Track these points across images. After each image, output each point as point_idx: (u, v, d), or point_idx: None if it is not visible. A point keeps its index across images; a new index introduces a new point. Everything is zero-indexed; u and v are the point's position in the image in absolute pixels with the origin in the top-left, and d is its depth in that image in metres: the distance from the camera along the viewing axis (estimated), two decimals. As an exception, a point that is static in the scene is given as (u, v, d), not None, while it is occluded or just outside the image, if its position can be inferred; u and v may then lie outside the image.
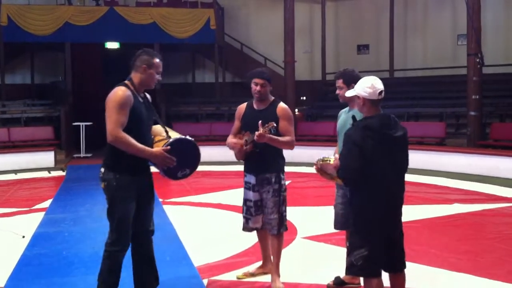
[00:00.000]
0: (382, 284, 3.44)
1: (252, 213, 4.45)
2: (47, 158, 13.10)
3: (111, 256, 3.67)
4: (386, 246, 3.40)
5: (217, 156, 12.25)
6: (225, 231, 6.37)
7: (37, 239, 5.99)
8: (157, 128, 3.86)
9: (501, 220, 7.00)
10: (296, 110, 15.60)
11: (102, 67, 16.98)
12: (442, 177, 10.66)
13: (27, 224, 6.81)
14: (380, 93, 3.38)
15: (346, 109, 4.46)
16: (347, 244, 3.50)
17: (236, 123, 4.59)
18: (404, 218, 3.56)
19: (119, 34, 15.65)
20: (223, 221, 7.02)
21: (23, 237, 6.07)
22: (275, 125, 4.07)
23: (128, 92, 3.59)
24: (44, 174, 11.94)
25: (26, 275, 4.77)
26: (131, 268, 3.88)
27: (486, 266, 5.02)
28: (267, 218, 4.39)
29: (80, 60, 16.35)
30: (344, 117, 4.37)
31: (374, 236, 3.35)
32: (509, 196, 8.60)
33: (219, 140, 13.94)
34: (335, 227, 4.51)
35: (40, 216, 7.20)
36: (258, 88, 4.35)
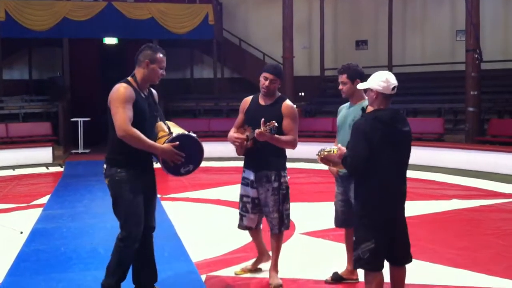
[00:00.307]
0: (383, 279, 3.45)
1: (248, 210, 4.38)
2: (45, 154, 13.08)
3: (121, 250, 3.66)
4: (391, 239, 3.43)
5: (215, 152, 12.25)
6: (223, 227, 6.37)
7: (35, 235, 5.99)
8: (161, 125, 3.84)
9: (499, 215, 7.01)
10: (295, 106, 15.57)
11: (100, 62, 16.94)
12: (440, 173, 10.68)
13: (25, 220, 6.80)
14: (394, 88, 3.43)
15: (347, 104, 4.41)
16: (354, 238, 3.51)
17: (240, 116, 4.48)
18: (404, 214, 3.57)
19: (117, 29, 15.60)
20: (221, 217, 7.02)
21: (21, 233, 6.06)
22: (276, 124, 3.95)
23: (130, 89, 3.58)
24: (42, 170, 11.92)
25: (24, 271, 4.76)
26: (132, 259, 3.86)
27: (484, 261, 5.03)
28: (268, 217, 4.33)
29: (78, 56, 16.30)
30: (345, 112, 4.35)
31: (379, 228, 3.37)
32: (507, 191, 8.61)
33: (218, 136, 13.96)
34: (336, 225, 4.50)
35: (38, 212, 7.20)
36: (266, 83, 4.23)
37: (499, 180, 9.74)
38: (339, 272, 4.48)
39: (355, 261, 3.50)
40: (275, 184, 4.26)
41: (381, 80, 3.42)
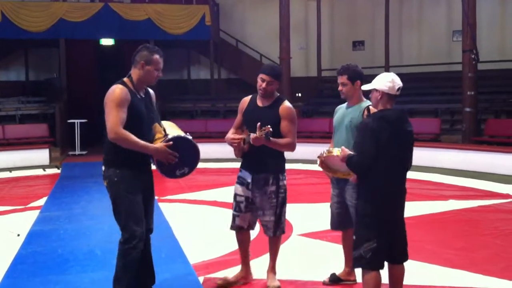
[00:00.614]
0: (381, 278, 3.46)
1: (242, 209, 4.27)
2: (42, 155, 13.07)
3: (125, 253, 3.60)
4: (392, 237, 3.45)
5: (212, 153, 12.23)
6: (220, 228, 6.34)
7: (32, 237, 5.97)
8: (157, 126, 3.82)
9: (496, 216, 7.02)
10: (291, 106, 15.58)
11: (97, 63, 16.92)
12: (437, 173, 10.69)
13: (22, 222, 6.78)
14: (398, 89, 3.49)
15: (344, 105, 4.37)
16: (354, 238, 3.51)
17: (239, 117, 4.39)
18: (404, 214, 3.59)
19: (113, 30, 15.59)
20: (218, 218, 7.00)
21: (18, 235, 6.05)
22: (271, 130, 3.86)
23: (126, 90, 3.56)
24: (39, 171, 11.90)
25: (21, 273, 4.75)
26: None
27: (481, 262, 5.03)
28: (262, 220, 4.25)
29: (75, 57, 16.29)
30: (342, 113, 4.29)
31: (382, 228, 3.40)
32: (504, 192, 8.62)
33: (215, 137, 13.95)
34: (332, 227, 4.48)
35: (35, 214, 7.18)
36: (264, 85, 4.14)
37: (496, 180, 9.76)
38: (337, 273, 4.48)
39: (356, 261, 3.50)
40: (273, 188, 4.18)
41: (387, 80, 3.48)
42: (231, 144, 4.20)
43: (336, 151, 3.61)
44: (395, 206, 3.50)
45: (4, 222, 6.87)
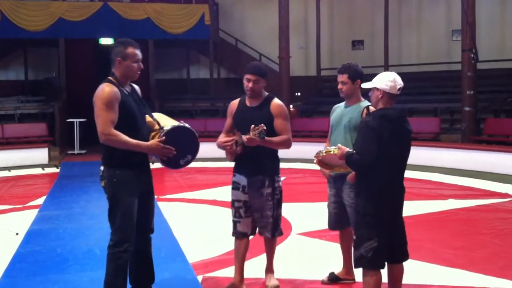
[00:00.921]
0: (381, 278, 3.46)
1: (242, 215, 4.17)
2: (41, 154, 13.07)
3: (116, 257, 3.53)
4: (392, 237, 3.45)
5: (211, 152, 12.12)
6: (219, 227, 6.36)
7: (31, 236, 5.97)
8: (151, 121, 3.75)
9: (495, 215, 7.02)
10: (291, 106, 15.60)
11: (96, 63, 16.90)
12: (437, 172, 10.69)
13: (21, 221, 6.78)
14: (399, 89, 3.49)
15: (341, 104, 4.35)
16: (354, 238, 3.51)
17: (229, 120, 4.30)
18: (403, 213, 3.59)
19: (113, 30, 15.55)
20: (218, 217, 7.01)
21: (17, 234, 6.05)
22: (265, 128, 3.80)
23: (115, 88, 3.50)
24: (38, 171, 11.90)
25: (20, 272, 4.75)
26: (128, 264, 3.83)
27: (480, 261, 5.03)
28: (260, 222, 4.17)
29: (74, 56, 16.29)
30: (340, 112, 4.27)
31: (382, 227, 3.40)
32: (503, 191, 8.63)
33: (214, 136, 13.71)
34: (329, 227, 4.47)
35: (34, 213, 7.18)
36: (250, 84, 4.04)
37: (496, 179, 9.76)
38: (336, 272, 4.48)
39: (357, 260, 3.50)
40: (269, 190, 4.11)
41: (389, 80, 3.47)
42: (223, 147, 4.11)
43: (333, 150, 3.61)
44: (396, 205, 3.51)
45: (3, 221, 6.87)
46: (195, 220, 7.00)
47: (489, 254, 5.28)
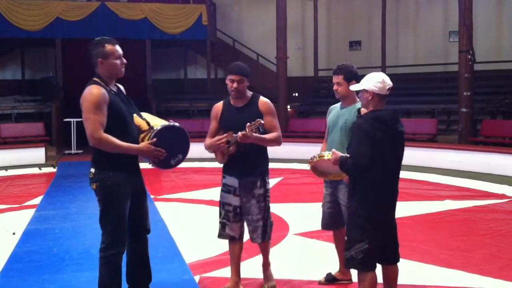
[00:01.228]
0: (377, 278, 3.45)
1: (230, 219, 4.12)
2: (38, 154, 13.03)
3: (109, 260, 3.50)
4: (385, 239, 3.44)
5: (208, 152, 12.20)
6: (217, 227, 6.31)
7: (27, 236, 5.95)
8: (138, 120, 3.69)
9: (492, 216, 7.03)
10: (288, 106, 15.61)
11: (93, 63, 16.88)
12: (433, 173, 10.71)
13: (17, 221, 6.77)
14: (389, 89, 3.44)
15: (337, 105, 4.35)
16: (346, 238, 3.50)
17: (214, 124, 4.20)
18: (396, 214, 3.58)
19: (110, 29, 15.49)
20: (214, 217, 6.94)
21: (14, 234, 6.03)
22: (262, 122, 3.77)
23: (103, 90, 3.42)
24: (35, 170, 11.87)
25: (16, 272, 4.73)
26: (125, 264, 3.82)
27: (477, 262, 5.04)
28: (251, 225, 4.10)
29: (71, 56, 16.24)
30: (336, 113, 4.27)
31: (375, 229, 3.38)
32: (500, 192, 8.64)
33: (211, 136, 13.91)
34: (323, 227, 4.45)
35: (30, 212, 7.16)
36: (234, 85, 3.99)
37: (492, 180, 9.78)
38: (333, 272, 4.48)
39: (348, 261, 3.49)
40: (261, 191, 4.05)
41: (377, 81, 3.42)
42: (216, 147, 4.02)
43: (327, 155, 3.60)
44: (389, 207, 3.49)
45: (0, 221, 6.85)
46: (192, 220, 6.99)
47: (486, 254, 5.29)
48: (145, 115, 3.81)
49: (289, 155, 11.17)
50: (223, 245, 5.40)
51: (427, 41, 17.37)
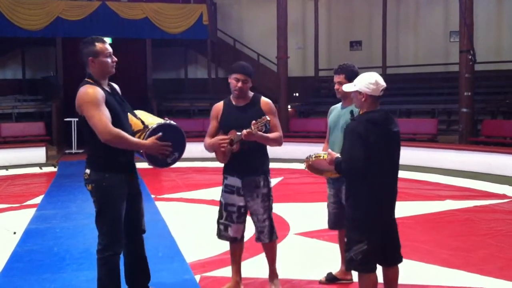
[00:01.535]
0: (377, 279, 3.45)
1: (234, 220, 4.08)
2: (38, 154, 13.04)
3: (107, 261, 3.49)
4: (383, 240, 3.42)
5: (208, 152, 12.21)
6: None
7: (28, 235, 5.96)
8: (132, 118, 3.69)
9: (492, 216, 7.03)
10: (289, 106, 15.61)
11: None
12: (434, 173, 10.70)
13: (18, 220, 6.77)
14: (383, 89, 3.39)
15: (338, 105, 4.36)
16: (345, 240, 3.49)
17: (213, 124, 4.17)
18: (396, 214, 3.57)
19: (111, 29, 15.56)
20: (215, 217, 6.98)
21: (14, 233, 6.04)
22: (268, 118, 3.74)
23: (97, 88, 3.41)
24: (36, 170, 11.88)
25: (17, 271, 4.74)
26: (123, 265, 3.82)
27: (477, 262, 5.04)
28: (258, 226, 4.07)
29: (72, 55, 16.18)
30: (337, 113, 4.28)
31: (373, 230, 3.37)
32: (500, 192, 8.64)
33: (212, 136, 13.92)
34: (329, 226, 4.47)
35: (31, 212, 7.17)
36: (239, 84, 3.99)
37: (493, 180, 9.77)
38: (333, 272, 4.48)
39: (347, 263, 3.49)
40: (265, 190, 4.03)
41: (370, 82, 3.36)
42: (218, 147, 3.99)
43: (323, 155, 3.59)
44: (387, 207, 3.46)
45: (0, 220, 6.86)
46: (193, 220, 6.99)
47: (486, 254, 5.29)
48: (139, 113, 3.79)
49: (289, 155, 11.15)
50: (224, 245, 5.40)
51: (427, 41, 17.37)
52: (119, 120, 3.47)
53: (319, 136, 13.45)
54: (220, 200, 4.20)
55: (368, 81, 3.37)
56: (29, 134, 14.13)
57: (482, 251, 5.41)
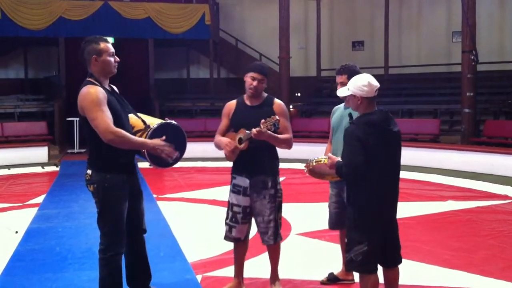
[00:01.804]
0: (378, 280, 3.44)
1: (239, 221, 4.08)
2: (40, 153, 13.06)
3: (109, 262, 3.49)
4: (384, 241, 3.42)
5: (211, 152, 12.15)
6: (219, 227, 6.29)
7: (30, 234, 5.96)
8: (132, 119, 3.68)
9: (494, 217, 7.02)
10: (291, 106, 15.61)
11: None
12: (436, 174, 10.70)
13: (20, 219, 6.78)
14: (377, 90, 3.38)
15: (341, 105, 4.35)
16: (346, 240, 3.49)
17: (224, 122, 4.16)
18: (398, 215, 3.57)
19: (113, 29, 15.57)
20: (217, 217, 6.98)
21: (16, 232, 6.05)
22: (278, 118, 3.72)
23: (99, 88, 3.41)
24: (38, 169, 11.89)
25: (19, 270, 4.74)
26: (124, 265, 3.82)
27: (479, 262, 5.04)
28: (262, 227, 4.05)
29: (74, 55, 16.03)
30: (340, 113, 4.28)
31: (374, 231, 3.36)
32: (502, 193, 8.63)
33: (214, 136, 13.90)
34: (330, 227, 4.46)
35: (33, 211, 7.18)
36: (255, 83, 3.97)
37: (495, 181, 9.76)
38: (335, 272, 4.48)
39: (348, 264, 3.48)
40: (272, 191, 4.01)
41: (363, 84, 3.35)
42: (224, 146, 4.00)
43: (324, 160, 3.59)
44: (387, 209, 3.44)
45: (2, 220, 6.87)
46: (195, 220, 7.00)
47: (488, 255, 5.28)
48: (140, 115, 3.79)
49: (291, 155, 11.10)
50: (226, 245, 5.40)
51: (430, 41, 17.34)
52: (120, 120, 3.47)
53: (321, 136, 13.46)
54: (228, 200, 4.20)
55: (361, 84, 3.36)
56: (31, 133, 14.14)
57: (484, 252, 5.40)
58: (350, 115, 3.52)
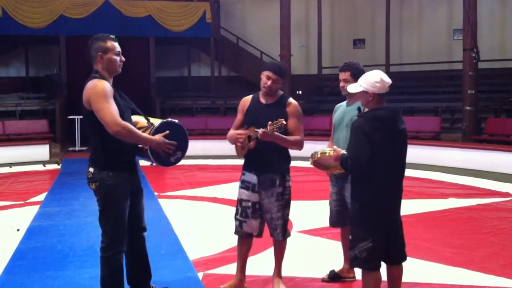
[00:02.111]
0: (381, 278, 3.45)
1: (249, 215, 4.08)
2: (42, 151, 13.08)
3: (110, 260, 3.49)
4: (388, 238, 3.42)
5: (212, 150, 12.25)
6: (220, 224, 6.37)
7: (31, 232, 5.97)
8: (136, 116, 3.70)
9: (495, 214, 7.02)
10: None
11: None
12: (437, 171, 10.70)
13: (21, 217, 6.79)
14: (388, 86, 3.39)
15: (343, 103, 4.35)
16: (350, 237, 3.49)
17: (239, 117, 4.18)
18: (400, 213, 3.58)
19: (114, 27, 15.53)
20: (218, 215, 7.01)
21: (18, 230, 6.06)
22: (284, 122, 3.71)
23: (105, 82, 3.42)
24: (39, 167, 11.91)
25: (20, 268, 4.75)
26: (124, 263, 3.82)
27: (480, 260, 5.04)
28: (271, 223, 4.08)
29: (75, 53, 16.27)
30: (342, 111, 4.28)
31: (378, 228, 3.37)
32: (503, 190, 8.63)
33: (215, 134, 13.95)
34: (330, 224, 4.47)
35: (35, 209, 7.19)
36: (269, 83, 3.96)
37: (496, 179, 9.76)
38: (336, 270, 4.48)
39: (352, 260, 3.48)
40: (279, 189, 4.02)
41: (376, 81, 3.36)
42: (235, 141, 4.02)
43: (329, 152, 3.59)
44: (391, 206, 3.45)
45: (4, 217, 6.88)
46: (196, 218, 7.00)
47: (489, 253, 5.29)
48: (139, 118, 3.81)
49: (293, 153, 11.16)
50: (227, 242, 5.43)
51: (431, 39, 17.30)
52: (123, 117, 3.46)
53: (322, 134, 13.45)
54: (237, 197, 4.20)
55: (374, 80, 3.36)
56: (32, 131, 14.16)
57: (485, 249, 5.41)
58: (359, 108, 3.53)
